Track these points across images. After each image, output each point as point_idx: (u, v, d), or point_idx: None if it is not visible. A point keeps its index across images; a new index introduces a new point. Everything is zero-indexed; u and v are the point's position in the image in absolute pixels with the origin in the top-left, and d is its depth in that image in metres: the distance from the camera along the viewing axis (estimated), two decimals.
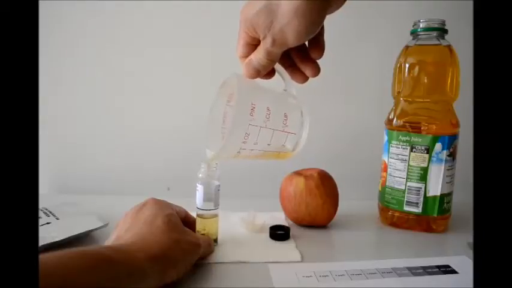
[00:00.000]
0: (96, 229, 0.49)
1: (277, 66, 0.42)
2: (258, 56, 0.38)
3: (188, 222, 0.46)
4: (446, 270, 0.44)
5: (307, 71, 0.41)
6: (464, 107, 0.55)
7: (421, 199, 0.54)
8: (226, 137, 0.38)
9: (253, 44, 0.39)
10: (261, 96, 0.41)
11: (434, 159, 0.53)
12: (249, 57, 0.39)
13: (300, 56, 0.41)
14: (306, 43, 0.40)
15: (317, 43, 0.40)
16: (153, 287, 0.34)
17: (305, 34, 0.35)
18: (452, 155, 0.54)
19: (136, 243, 0.36)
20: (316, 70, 0.41)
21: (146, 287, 0.33)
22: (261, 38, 0.37)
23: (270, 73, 0.42)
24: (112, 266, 0.31)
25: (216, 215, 0.48)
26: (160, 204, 0.43)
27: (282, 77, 0.43)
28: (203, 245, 0.43)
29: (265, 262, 0.45)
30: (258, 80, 0.41)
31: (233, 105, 0.39)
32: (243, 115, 0.38)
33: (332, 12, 0.37)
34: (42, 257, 0.26)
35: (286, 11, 0.34)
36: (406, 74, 0.54)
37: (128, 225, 0.40)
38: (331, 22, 0.75)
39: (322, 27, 0.39)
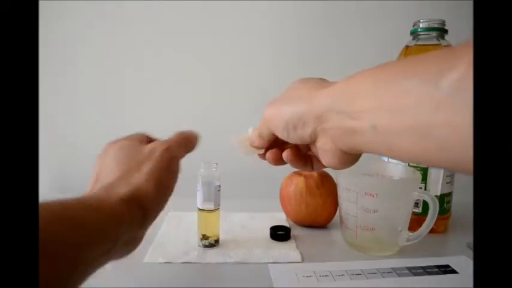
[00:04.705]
0: None
1: None
2: None
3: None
4: (446, 270, 0.44)
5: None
6: None
7: (421, 199, 0.54)
8: None
9: None
10: None
11: None
12: None
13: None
14: None
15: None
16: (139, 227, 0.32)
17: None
18: None
19: (102, 191, 0.33)
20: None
21: (133, 230, 0.31)
22: None
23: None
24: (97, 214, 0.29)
25: (216, 215, 0.48)
26: (112, 142, 0.38)
27: None
28: (171, 144, 0.35)
29: (266, 262, 0.45)
30: None
31: None
32: None
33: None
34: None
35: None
36: None
37: (93, 179, 0.37)
38: (332, 22, 0.76)
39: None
